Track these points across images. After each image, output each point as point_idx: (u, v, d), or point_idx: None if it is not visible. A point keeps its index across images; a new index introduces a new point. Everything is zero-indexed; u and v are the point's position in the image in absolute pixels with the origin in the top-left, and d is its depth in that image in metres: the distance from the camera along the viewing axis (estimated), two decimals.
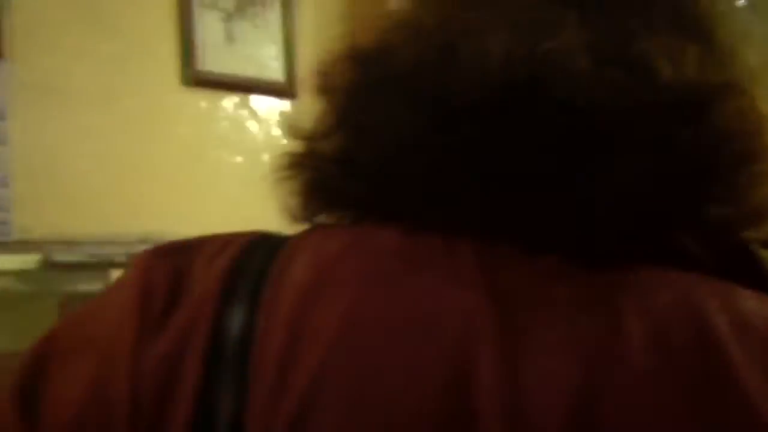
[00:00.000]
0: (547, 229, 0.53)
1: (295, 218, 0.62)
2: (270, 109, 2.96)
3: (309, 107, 0.60)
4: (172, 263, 0.57)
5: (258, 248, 0.57)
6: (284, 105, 2.99)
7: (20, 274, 2.34)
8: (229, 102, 2.89)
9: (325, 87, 0.60)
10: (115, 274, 2.34)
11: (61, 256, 2.37)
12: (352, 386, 0.50)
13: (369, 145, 0.57)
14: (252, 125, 2.93)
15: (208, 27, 2.82)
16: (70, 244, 2.47)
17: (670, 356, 0.49)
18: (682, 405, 0.48)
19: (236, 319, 0.53)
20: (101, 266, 2.36)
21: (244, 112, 2.92)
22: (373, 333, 0.51)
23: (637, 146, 0.52)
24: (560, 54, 0.52)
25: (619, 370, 0.49)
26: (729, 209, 0.54)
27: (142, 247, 0.60)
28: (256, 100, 2.94)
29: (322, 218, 0.61)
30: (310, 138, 0.60)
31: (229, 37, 2.87)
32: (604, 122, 0.52)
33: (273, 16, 2.99)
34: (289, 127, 0.61)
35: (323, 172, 0.60)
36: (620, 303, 0.51)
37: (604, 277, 0.52)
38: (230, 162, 2.86)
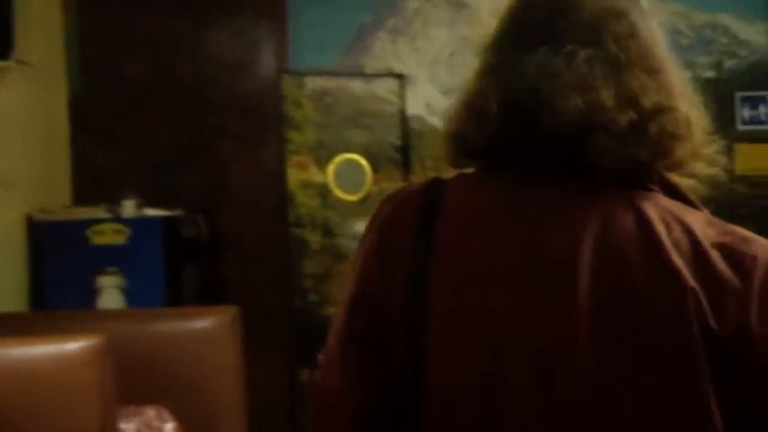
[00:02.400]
0: (575, 173, 1.15)
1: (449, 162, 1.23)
2: None
3: None
4: (392, 201, 1.22)
5: (434, 184, 1.19)
6: None
7: None
8: None
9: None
10: None
11: None
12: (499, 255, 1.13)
13: (489, 135, 1.17)
14: None
15: None
16: None
17: (638, 224, 1.10)
18: (639, 249, 1.08)
19: (427, 219, 1.12)
20: None
21: None
22: (509, 229, 1.14)
23: (618, 142, 1.12)
24: (553, 95, 1.14)
25: (612, 234, 1.10)
26: (663, 164, 1.15)
27: None
28: None
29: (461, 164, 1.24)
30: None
31: None
32: (589, 131, 1.14)
33: None
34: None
35: (471, 143, 1.20)
36: (610, 203, 1.13)
37: (602, 193, 1.13)
38: None
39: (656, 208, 1.10)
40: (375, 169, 4.66)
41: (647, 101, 1.10)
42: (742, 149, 4.62)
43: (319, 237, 4.55)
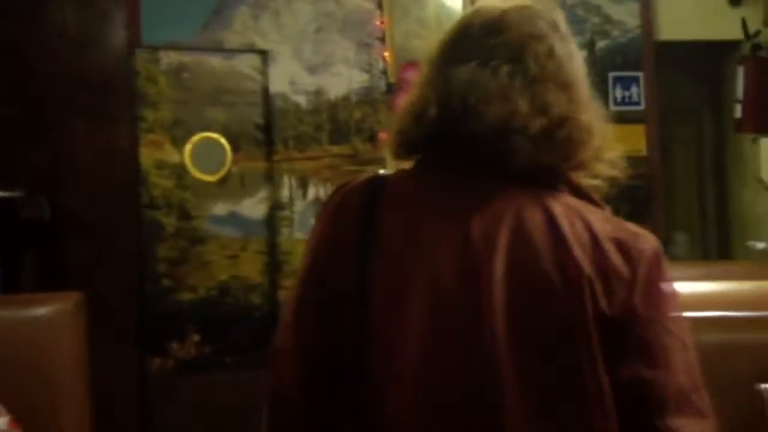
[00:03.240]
0: (495, 170, 1.32)
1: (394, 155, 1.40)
2: None
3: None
4: (340, 192, 1.38)
5: (376, 179, 1.36)
6: None
7: None
8: None
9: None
10: None
11: None
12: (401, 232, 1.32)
13: (425, 134, 1.35)
14: None
15: None
16: None
17: (546, 219, 1.27)
18: (546, 240, 1.26)
19: (370, 209, 1.30)
20: None
21: None
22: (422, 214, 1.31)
23: (530, 144, 1.29)
24: (478, 102, 1.30)
25: (524, 226, 1.27)
26: (570, 166, 1.31)
27: None
28: None
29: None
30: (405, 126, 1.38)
31: None
32: (505, 137, 1.31)
33: None
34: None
35: (410, 140, 1.37)
36: (523, 199, 1.30)
37: (517, 190, 1.30)
38: None
39: (562, 205, 1.31)
40: (235, 148, 4.46)
41: (557, 110, 1.30)
42: (615, 130, 4.53)
43: (174, 220, 4.34)
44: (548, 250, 1.27)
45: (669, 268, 1.33)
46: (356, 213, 1.33)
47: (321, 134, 4.66)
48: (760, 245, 4.56)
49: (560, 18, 1.40)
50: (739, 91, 4.60)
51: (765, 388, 1.83)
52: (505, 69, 1.31)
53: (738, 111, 4.61)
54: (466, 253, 1.28)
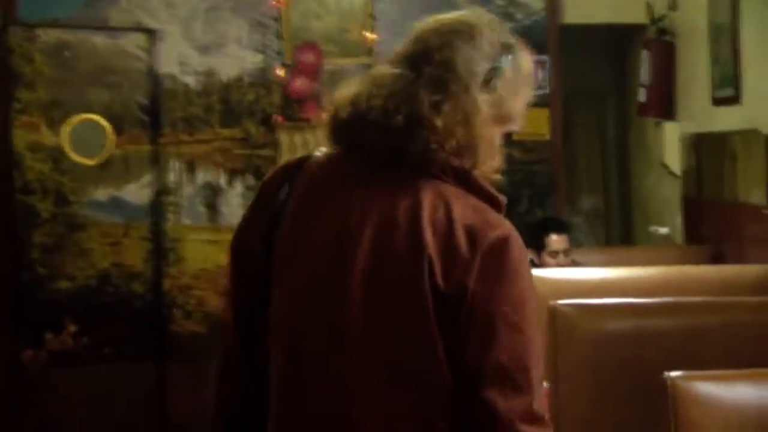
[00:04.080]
0: (390, 160, 1.46)
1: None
2: None
3: None
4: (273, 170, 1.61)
5: (304, 159, 1.57)
6: None
7: None
8: None
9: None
10: None
11: None
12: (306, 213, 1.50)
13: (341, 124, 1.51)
14: None
15: None
16: None
17: (412, 204, 1.42)
18: (407, 222, 1.41)
19: (287, 185, 1.54)
20: None
21: None
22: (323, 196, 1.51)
23: (413, 131, 1.43)
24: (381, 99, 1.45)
25: (392, 210, 1.44)
26: (445, 154, 1.44)
27: None
28: None
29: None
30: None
31: None
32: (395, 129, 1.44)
33: None
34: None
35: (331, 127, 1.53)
36: (402, 186, 1.44)
37: (401, 178, 1.45)
38: None
39: (434, 193, 1.44)
40: (118, 130, 4.29)
41: (448, 109, 1.43)
42: None
43: (50, 205, 4.15)
44: (405, 230, 1.42)
45: (522, 257, 1.43)
46: (276, 190, 1.55)
47: (211, 116, 4.51)
48: (663, 230, 4.50)
49: (486, 30, 1.51)
50: (644, 75, 4.54)
51: (670, 376, 1.76)
52: (411, 71, 1.47)
53: (642, 95, 4.56)
54: (344, 228, 1.46)
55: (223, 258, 4.63)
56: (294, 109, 4.50)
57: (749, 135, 3.63)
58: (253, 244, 1.54)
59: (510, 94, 1.48)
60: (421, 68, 1.46)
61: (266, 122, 4.53)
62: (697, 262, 3.66)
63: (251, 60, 4.54)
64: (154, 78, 4.33)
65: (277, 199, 1.53)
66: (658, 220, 4.65)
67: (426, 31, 1.51)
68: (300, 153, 4.36)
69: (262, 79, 4.55)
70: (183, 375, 4.30)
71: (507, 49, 1.51)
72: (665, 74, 4.48)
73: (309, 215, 1.50)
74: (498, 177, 1.50)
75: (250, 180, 4.56)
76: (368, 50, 4.59)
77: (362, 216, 1.45)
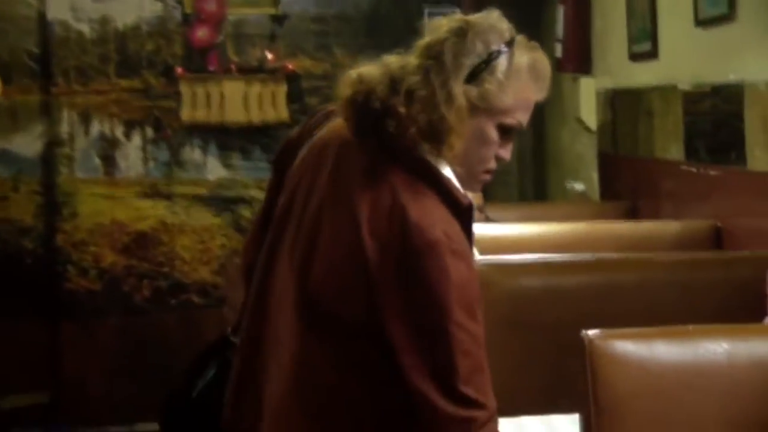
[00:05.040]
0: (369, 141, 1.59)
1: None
2: None
3: None
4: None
5: (322, 116, 1.77)
6: None
7: None
8: None
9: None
10: None
11: None
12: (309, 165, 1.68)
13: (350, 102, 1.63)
14: None
15: None
16: None
17: (367, 180, 1.56)
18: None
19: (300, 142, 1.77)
20: None
21: None
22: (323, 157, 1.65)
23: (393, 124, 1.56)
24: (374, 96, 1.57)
25: (346, 183, 1.59)
26: (408, 141, 1.55)
27: None
28: None
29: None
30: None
31: None
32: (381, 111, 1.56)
33: None
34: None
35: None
36: (370, 164, 1.57)
37: (377, 164, 1.57)
38: None
39: (388, 181, 1.53)
40: (6, 79, 4.11)
41: (420, 97, 1.53)
42: None
43: None
44: (354, 211, 1.53)
45: (445, 265, 1.48)
46: (293, 147, 1.76)
47: (108, 66, 4.35)
48: (579, 186, 4.43)
49: (483, 28, 1.62)
50: (560, 30, 4.46)
51: (587, 335, 1.71)
52: (409, 60, 1.59)
53: (558, 50, 4.46)
54: (306, 205, 1.61)
55: (120, 213, 4.58)
56: (196, 60, 4.38)
57: (666, 90, 3.56)
58: (268, 201, 1.81)
59: (499, 89, 1.57)
60: (418, 58, 1.58)
61: (167, 73, 4.38)
62: (613, 218, 3.61)
63: (150, 8, 4.38)
64: (44, 25, 4.11)
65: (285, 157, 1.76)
66: (573, 175, 4.59)
67: (433, 26, 1.64)
68: (202, 105, 4.14)
69: (162, 29, 4.39)
70: (78, 334, 4.19)
71: (505, 46, 1.61)
72: (581, 29, 4.39)
73: (300, 180, 1.66)
74: (480, 169, 1.63)
75: (150, 132, 4.42)
76: (273, 0, 4.42)
77: (323, 193, 1.60)
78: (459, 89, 1.55)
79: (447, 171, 1.58)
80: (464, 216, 1.56)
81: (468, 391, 1.48)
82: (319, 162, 1.65)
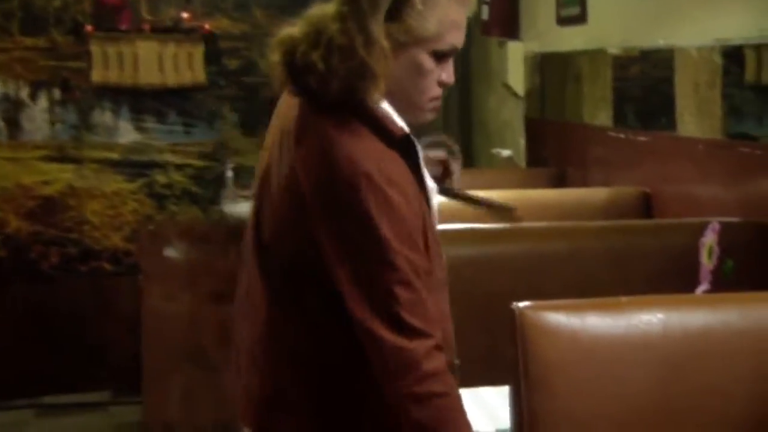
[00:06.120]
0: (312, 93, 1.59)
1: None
2: None
3: None
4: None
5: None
6: None
7: None
8: None
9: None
10: None
11: None
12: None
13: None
14: None
15: None
16: None
17: (302, 128, 1.61)
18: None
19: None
20: None
21: None
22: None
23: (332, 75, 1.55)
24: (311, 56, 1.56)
25: (292, 131, 1.62)
26: (334, 87, 1.55)
27: None
28: None
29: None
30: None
31: None
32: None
33: None
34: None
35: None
36: (313, 115, 1.60)
37: (315, 109, 1.60)
38: None
39: (326, 127, 1.58)
40: None
41: (339, 44, 1.55)
42: None
43: None
44: (292, 159, 1.59)
45: (380, 188, 1.51)
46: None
47: (11, 23, 4.19)
48: (506, 152, 4.39)
49: None
50: None
51: (518, 306, 1.68)
52: (318, 10, 1.60)
53: (485, 13, 4.38)
54: (266, 166, 1.68)
55: (25, 177, 4.41)
56: (107, 18, 4.24)
57: (595, 55, 3.53)
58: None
59: (421, 19, 1.57)
60: (335, 5, 1.57)
61: (76, 32, 4.23)
62: (540, 185, 3.60)
63: None
64: None
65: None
66: (500, 142, 4.55)
67: None
68: (114, 66, 3.91)
69: None
70: None
71: None
72: None
73: (268, 148, 1.71)
74: (425, 99, 1.63)
75: (57, 94, 4.26)
76: None
77: (271, 153, 1.66)
78: (379, 30, 1.55)
79: (385, 105, 1.59)
80: (402, 146, 1.58)
81: (412, 320, 1.49)
82: (273, 131, 1.72)
